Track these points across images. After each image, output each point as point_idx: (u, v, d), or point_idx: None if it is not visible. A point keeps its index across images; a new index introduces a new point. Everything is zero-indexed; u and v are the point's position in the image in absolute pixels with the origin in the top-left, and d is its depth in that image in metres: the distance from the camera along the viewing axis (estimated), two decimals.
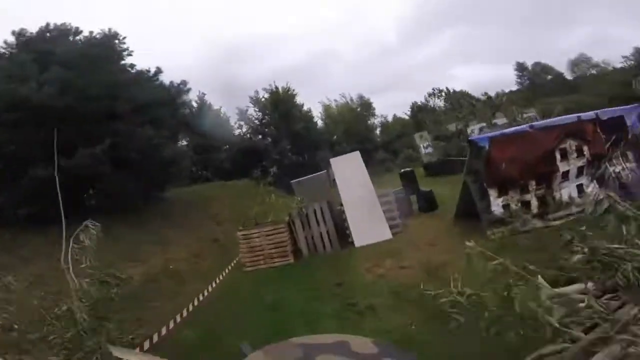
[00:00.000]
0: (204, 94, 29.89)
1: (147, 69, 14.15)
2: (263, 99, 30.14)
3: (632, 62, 27.10)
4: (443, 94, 30.76)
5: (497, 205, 5.68)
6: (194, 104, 29.04)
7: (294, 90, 30.49)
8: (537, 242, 5.15)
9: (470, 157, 5.67)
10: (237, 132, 30.10)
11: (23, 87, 7.90)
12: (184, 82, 13.86)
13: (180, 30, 49.44)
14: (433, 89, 32.11)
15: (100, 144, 8.94)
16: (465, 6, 49.49)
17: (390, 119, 34.73)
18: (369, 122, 32.76)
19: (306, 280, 6.43)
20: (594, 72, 33.93)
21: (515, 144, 5.48)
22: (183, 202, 15.42)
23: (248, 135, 29.97)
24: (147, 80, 13.02)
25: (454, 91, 28.52)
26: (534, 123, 5.67)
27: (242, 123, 30.30)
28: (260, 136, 29.43)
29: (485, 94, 18.81)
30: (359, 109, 32.66)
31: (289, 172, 24.73)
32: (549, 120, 5.54)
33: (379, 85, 54.93)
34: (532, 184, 5.67)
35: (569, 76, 36.74)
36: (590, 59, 34.74)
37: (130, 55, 13.14)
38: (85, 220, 4.41)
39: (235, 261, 8.33)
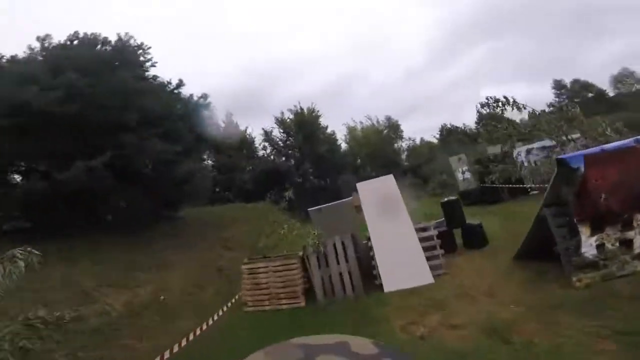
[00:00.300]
0: (232, 114, 30.12)
1: (169, 80, 13.91)
2: (288, 120, 29.76)
3: None
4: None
5: (589, 245, 4.00)
6: (222, 123, 29.43)
7: (318, 111, 30.00)
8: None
9: (554, 183, 4.05)
10: (261, 153, 29.74)
11: (25, 92, 7.36)
12: (204, 96, 13.26)
13: (211, 50, 51.59)
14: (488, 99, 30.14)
15: (101, 155, 8.16)
16: (491, 24, 47.76)
17: (417, 142, 33.15)
18: (395, 145, 31.24)
19: (318, 333, 4.87)
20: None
21: (616, 165, 3.85)
22: (196, 223, 14.49)
23: (272, 156, 29.44)
24: (166, 92, 12.56)
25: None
26: (638, 137, 3.99)
27: (266, 144, 29.97)
28: (283, 158, 28.78)
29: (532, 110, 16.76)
30: (385, 131, 31.34)
31: (310, 196, 23.55)
32: None
33: (405, 109, 54.28)
34: (638, 218, 3.99)
35: (611, 93, 33.84)
36: (634, 73, 31.87)
37: (154, 66, 12.91)
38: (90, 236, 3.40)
39: (237, 297, 6.95)
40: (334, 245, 5.77)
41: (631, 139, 4.05)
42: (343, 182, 24.04)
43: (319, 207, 6.49)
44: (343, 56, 55.45)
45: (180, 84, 13.83)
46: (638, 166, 3.91)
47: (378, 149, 27.81)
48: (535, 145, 12.28)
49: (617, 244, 4.06)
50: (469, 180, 14.02)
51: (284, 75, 49.10)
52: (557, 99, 35.67)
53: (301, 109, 29.89)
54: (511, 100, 6.16)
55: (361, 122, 31.88)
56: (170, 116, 11.03)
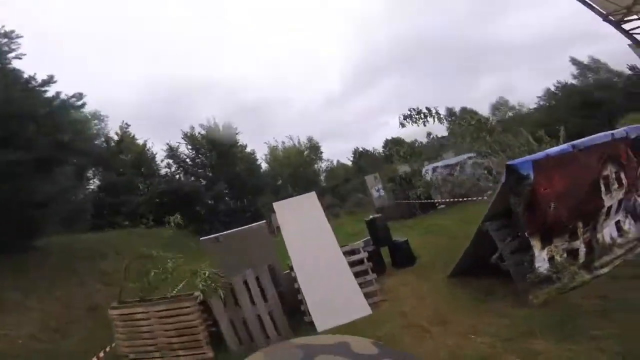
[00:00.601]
0: (128, 125, 25.91)
1: (32, 75, 10.79)
2: (198, 135, 27.08)
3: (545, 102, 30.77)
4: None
5: (542, 259, 3.62)
6: (115, 136, 24.96)
7: (236, 128, 28.32)
8: (600, 301, 3.25)
9: (501, 192, 3.60)
10: (163, 171, 26.10)
11: None
12: (78, 95, 10.60)
13: (122, 61, 45.53)
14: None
15: None
16: (397, 60, 55.57)
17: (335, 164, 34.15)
18: (315, 166, 31.42)
19: None
20: (511, 114, 38.40)
21: (561, 172, 3.65)
22: (64, 254, 11.12)
23: (177, 175, 26.11)
24: (23, 89, 9.58)
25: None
26: (574, 142, 3.86)
27: (170, 161, 26.50)
28: (192, 177, 25.77)
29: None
30: (306, 152, 31.32)
31: (225, 219, 21.29)
32: (586, 139, 3.87)
33: (323, 133, 57.73)
34: (580, 226, 3.82)
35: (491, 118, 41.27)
36: (507, 102, 39.66)
37: (19, 58, 9.94)
38: None
39: (113, 345, 4.94)
40: (245, 282, 4.43)
41: (567, 145, 3.94)
42: (263, 203, 22.55)
43: (217, 235, 4.83)
44: (263, 79, 55.85)
45: (48, 80, 10.87)
46: (578, 172, 3.78)
47: (299, 169, 27.40)
48: (440, 163, 13.34)
49: (565, 255, 3.77)
50: (384, 198, 14.38)
51: (198, 94, 46.25)
52: (448, 125, 41.99)
53: (215, 124, 27.79)
54: (433, 111, 6.10)
55: (283, 142, 31.40)
56: (17, 117, 8.23)
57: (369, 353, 0.43)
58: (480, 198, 11.80)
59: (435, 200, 12.56)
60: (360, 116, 52.54)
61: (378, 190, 14.29)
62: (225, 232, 4.81)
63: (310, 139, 32.57)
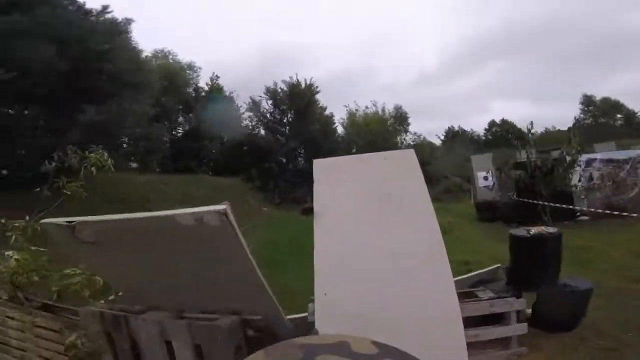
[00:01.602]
0: (218, 77, 26.12)
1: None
2: (279, 91, 25.83)
3: None
4: None
5: None
6: (206, 86, 25.51)
7: (317, 87, 26.19)
8: None
9: None
10: (244, 123, 25.91)
11: None
12: (128, 20, 9.70)
13: (218, 25, 47.40)
14: None
15: None
16: (509, 42, 47.91)
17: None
18: (399, 137, 27.65)
19: None
20: None
21: None
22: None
23: (256, 130, 25.72)
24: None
25: None
26: None
27: (251, 115, 26.11)
28: (269, 132, 25.05)
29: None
30: (390, 121, 27.68)
31: (292, 179, 20.11)
32: None
33: (411, 110, 52.36)
34: None
35: None
36: None
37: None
38: None
39: None
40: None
41: None
42: None
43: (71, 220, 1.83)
44: (352, 49, 52.83)
45: (104, 9, 10.14)
46: None
47: (379, 138, 24.20)
48: (599, 155, 8.93)
49: None
50: (493, 189, 10.62)
51: (288, 61, 45.70)
52: (582, 116, 32.60)
53: (297, 81, 26.10)
54: None
55: (366, 107, 27.91)
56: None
57: (370, 353, 0.38)
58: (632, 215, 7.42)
59: (578, 208, 8.50)
60: (457, 97, 46.89)
61: (487, 178, 10.49)
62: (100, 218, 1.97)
63: (398, 108, 28.71)
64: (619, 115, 31.77)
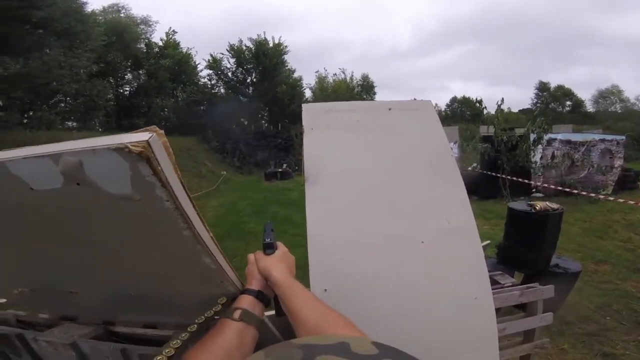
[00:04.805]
0: (175, 32, 23.21)
1: None
2: (245, 49, 23.64)
3: None
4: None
5: None
6: (160, 42, 22.55)
7: (286, 47, 24.37)
8: None
9: None
10: (202, 81, 23.64)
11: None
12: None
13: None
14: None
15: None
16: (478, 28, 50.82)
17: None
18: None
19: None
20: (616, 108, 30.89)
21: None
22: None
23: (216, 89, 23.63)
24: None
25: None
26: None
27: (210, 72, 23.77)
28: (230, 92, 23.14)
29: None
30: (357, 89, 27.29)
31: (253, 142, 19.00)
32: None
33: (379, 82, 53.79)
34: None
35: (590, 108, 33.82)
36: (621, 92, 31.70)
37: None
38: None
39: None
40: None
41: None
42: (297, 132, 19.71)
43: None
44: (329, 20, 51.83)
45: None
46: None
47: None
48: (560, 136, 9.22)
49: None
50: (457, 160, 10.73)
51: (261, 27, 43.00)
52: (535, 101, 34.63)
53: (265, 39, 23.99)
54: None
55: (334, 74, 27.64)
56: None
57: (370, 353, 0.35)
58: (597, 196, 7.97)
59: (534, 183, 8.84)
60: (422, 74, 50.28)
61: (452, 149, 10.47)
62: None
63: (365, 77, 28.45)
64: (568, 103, 34.25)
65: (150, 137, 0.41)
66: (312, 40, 42.86)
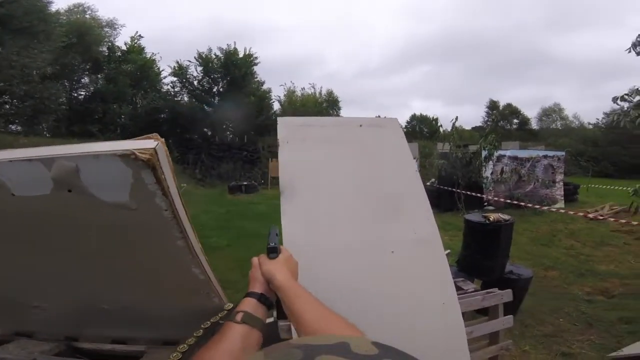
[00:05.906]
0: (140, 37, 22.31)
1: None
2: (214, 58, 23.18)
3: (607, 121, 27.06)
4: None
5: None
6: (124, 46, 21.49)
7: (256, 58, 24.27)
8: None
9: None
10: (166, 88, 22.74)
11: None
12: None
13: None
14: None
15: None
16: (439, 49, 56.59)
17: None
18: None
19: None
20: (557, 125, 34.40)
21: None
22: None
23: (179, 97, 22.83)
24: None
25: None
26: None
27: (175, 80, 22.94)
28: (194, 101, 22.45)
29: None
30: (324, 104, 27.90)
31: (217, 153, 18.52)
32: None
33: (348, 99, 58.04)
34: None
35: (535, 125, 37.41)
36: (562, 110, 35.39)
37: None
38: None
39: None
40: None
41: None
42: (265, 145, 19.53)
43: None
44: (301, 36, 54.39)
45: None
46: None
47: None
48: (508, 152, 10.09)
49: None
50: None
51: (235, 37, 43.55)
52: (486, 119, 37.57)
53: (235, 49, 23.76)
54: None
55: (303, 88, 28.12)
56: None
57: (370, 353, 0.34)
58: (543, 208, 8.79)
59: (486, 196, 9.52)
60: (387, 92, 54.69)
61: None
62: None
63: (330, 93, 29.37)
64: (515, 120, 37.63)
65: (156, 145, 0.42)
66: (285, 55, 44.03)
